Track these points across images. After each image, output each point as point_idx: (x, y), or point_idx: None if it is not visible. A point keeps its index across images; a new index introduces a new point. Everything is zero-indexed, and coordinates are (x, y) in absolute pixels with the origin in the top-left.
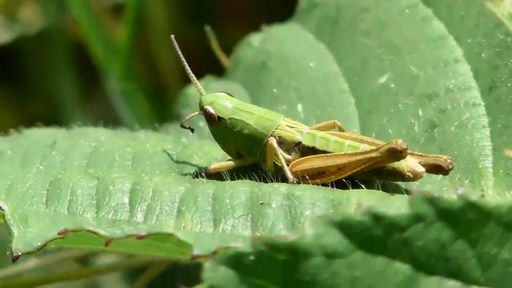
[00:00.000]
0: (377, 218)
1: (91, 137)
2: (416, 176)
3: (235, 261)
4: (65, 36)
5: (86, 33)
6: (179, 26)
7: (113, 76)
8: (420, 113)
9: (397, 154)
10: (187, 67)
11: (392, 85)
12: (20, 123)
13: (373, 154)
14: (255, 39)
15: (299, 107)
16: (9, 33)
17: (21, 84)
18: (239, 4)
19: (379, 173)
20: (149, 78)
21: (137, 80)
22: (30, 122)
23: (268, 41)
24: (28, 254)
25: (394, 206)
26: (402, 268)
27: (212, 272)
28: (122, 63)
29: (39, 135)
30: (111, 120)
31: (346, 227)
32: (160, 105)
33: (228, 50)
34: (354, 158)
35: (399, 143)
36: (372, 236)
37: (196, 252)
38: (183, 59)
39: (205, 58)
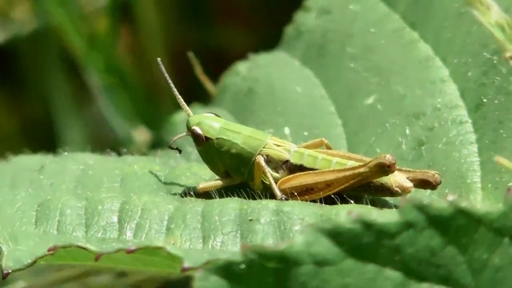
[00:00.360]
0: (367, 225)
1: (79, 161)
2: (404, 191)
3: (226, 270)
4: (60, 35)
5: (65, 29)
6: (178, 26)
7: (95, 72)
8: (408, 131)
9: (386, 168)
10: (174, 88)
11: (379, 106)
12: (15, 122)
13: (362, 169)
14: (242, 66)
15: (286, 130)
16: (3, 33)
17: (16, 84)
18: (239, 4)
19: (367, 188)
20: (143, 77)
21: (130, 80)
22: (25, 121)
23: (255, 68)
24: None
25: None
26: (393, 275)
27: (203, 282)
28: (105, 58)
29: (26, 161)
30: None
31: (336, 235)
32: (152, 104)
33: (227, 50)
34: (342, 174)
35: (387, 157)
36: (363, 243)
37: (186, 264)
38: (169, 80)
39: (203, 58)
